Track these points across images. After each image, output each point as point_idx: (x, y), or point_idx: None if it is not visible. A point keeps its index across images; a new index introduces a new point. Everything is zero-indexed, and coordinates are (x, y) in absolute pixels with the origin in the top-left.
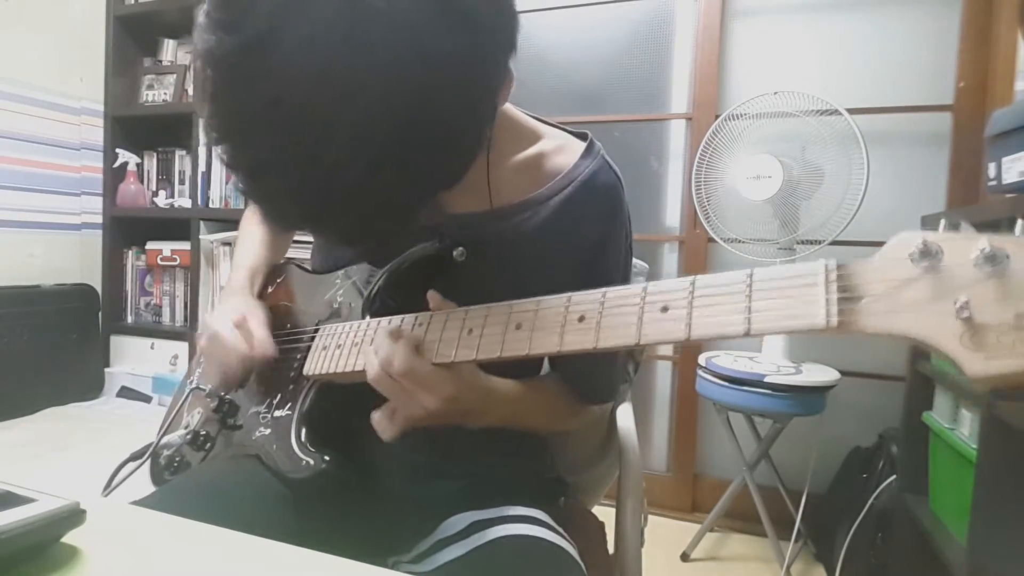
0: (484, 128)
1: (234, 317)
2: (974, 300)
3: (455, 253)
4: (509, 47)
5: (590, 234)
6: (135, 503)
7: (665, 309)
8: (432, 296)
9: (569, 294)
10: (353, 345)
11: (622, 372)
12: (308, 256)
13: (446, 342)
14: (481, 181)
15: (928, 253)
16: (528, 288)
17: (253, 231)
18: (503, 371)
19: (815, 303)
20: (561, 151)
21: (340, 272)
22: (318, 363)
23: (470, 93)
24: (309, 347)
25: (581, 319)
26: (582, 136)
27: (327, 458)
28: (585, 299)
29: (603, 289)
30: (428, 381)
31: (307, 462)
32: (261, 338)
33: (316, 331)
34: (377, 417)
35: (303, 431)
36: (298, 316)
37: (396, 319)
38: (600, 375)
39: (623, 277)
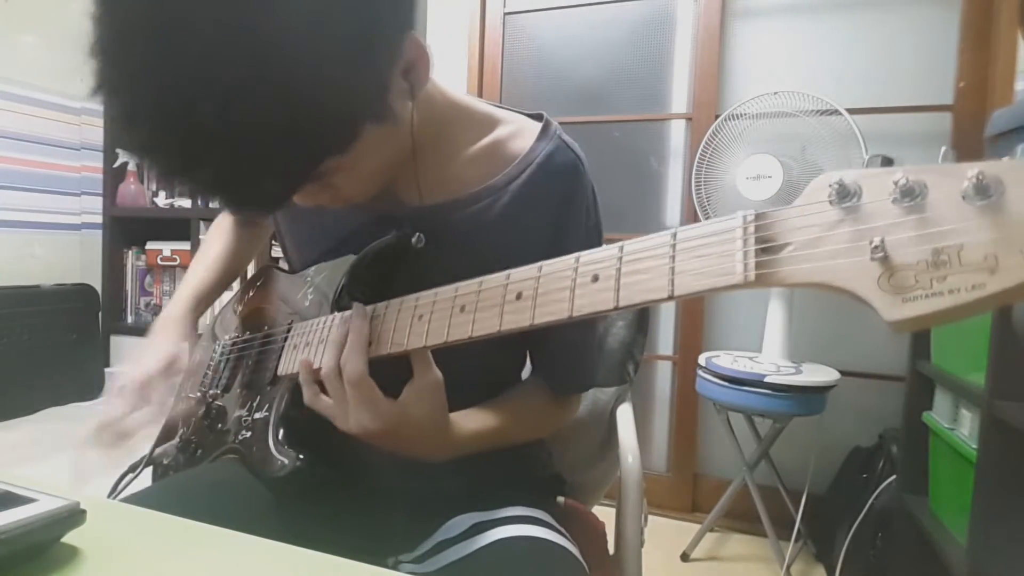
0: (374, 96)
1: (142, 371)
2: (890, 239)
3: (413, 240)
4: (402, 20)
5: (549, 215)
6: (128, 498)
7: (596, 279)
8: None
9: (509, 271)
10: (320, 342)
11: (597, 358)
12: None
13: (399, 330)
14: (439, 173)
15: (846, 193)
16: (491, 272)
17: (212, 245)
18: (490, 367)
19: (733, 258)
20: (517, 135)
21: (311, 269)
22: (290, 362)
23: (352, 54)
24: (283, 347)
25: (519, 296)
26: (538, 117)
27: (301, 456)
28: (523, 275)
29: (540, 263)
30: (372, 399)
31: (282, 462)
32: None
33: (289, 330)
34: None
35: (280, 431)
36: (275, 317)
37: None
38: (574, 366)
39: None
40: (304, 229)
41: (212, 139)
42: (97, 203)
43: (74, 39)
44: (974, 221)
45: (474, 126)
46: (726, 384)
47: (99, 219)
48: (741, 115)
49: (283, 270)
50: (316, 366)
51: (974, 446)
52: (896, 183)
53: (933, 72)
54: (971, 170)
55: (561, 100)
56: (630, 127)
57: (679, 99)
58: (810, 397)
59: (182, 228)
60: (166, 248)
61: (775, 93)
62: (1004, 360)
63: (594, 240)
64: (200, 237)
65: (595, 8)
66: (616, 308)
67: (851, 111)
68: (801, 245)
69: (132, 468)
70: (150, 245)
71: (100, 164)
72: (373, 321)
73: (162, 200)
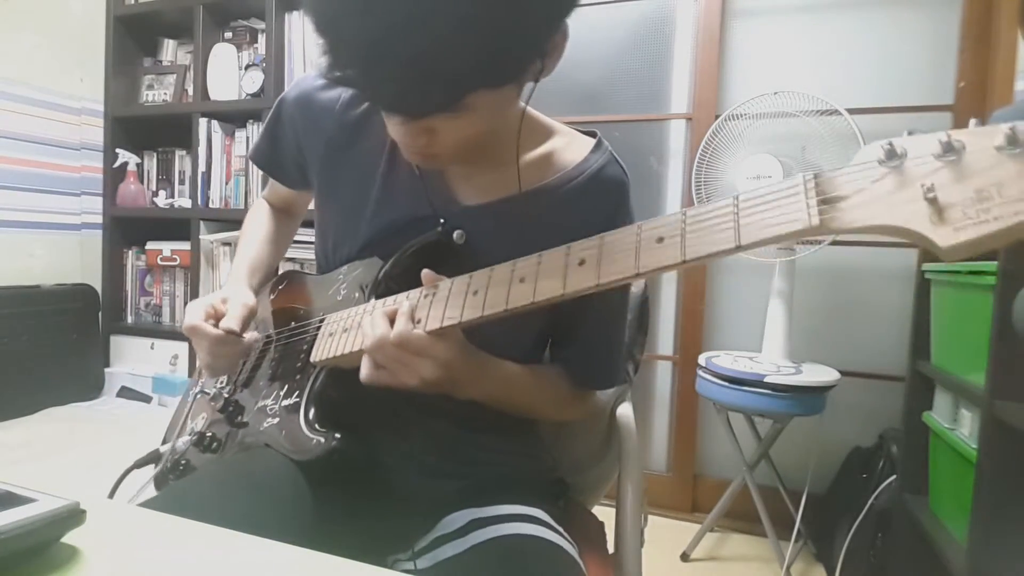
0: (534, 51)
1: (211, 302)
2: (938, 183)
3: (455, 235)
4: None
5: (595, 223)
6: (140, 505)
7: (660, 240)
8: (426, 275)
9: (568, 244)
10: (359, 326)
11: (622, 359)
12: (308, 259)
13: (452, 305)
14: (498, 171)
15: (893, 154)
16: None
17: (255, 230)
18: (502, 356)
19: (798, 208)
20: (571, 147)
21: (343, 268)
22: (325, 349)
23: (535, 9)
24: (315, 337)
25: (582, 263)
26: (591, 134)
27: (338, 436)
28: (584, 245)
29: (600, 235)
30: (425, 349)
31: (317, 440)
32: (230, 315)
33: (322, 321)
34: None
35: (311, 411)
36: (303, 314)
37: (401, 295)
38: (598, 361)
39: None
40: (343, 221)
41: (411, 42)
42: (97, 203)
43: (74, 39)
44: (1009, 165)
45: (533, 134)
46: (726, 384)
47: (99, 219)
48: (741, 115)
49: (309, 274)
50: (359, 347)
51: (974, 446)
52: (940, 140)
53: (933, 72)
54: (1004, 127)
55: (561, 100)
56: (630, 127)
57: (679, 99)
58: (810, 397)
59: (182, 228)
60: (166, 248)
61: (775, 93)
62: (1004, 360)
63: None
64: (200, 237)
65: (595, 8)
66: (683, 262)
67: (851, 111)
68: (854, 195)
69: (139, 464)
70: (150, 245)
71: (100, 164)
72: (421, 300)
73: (162, 200)
